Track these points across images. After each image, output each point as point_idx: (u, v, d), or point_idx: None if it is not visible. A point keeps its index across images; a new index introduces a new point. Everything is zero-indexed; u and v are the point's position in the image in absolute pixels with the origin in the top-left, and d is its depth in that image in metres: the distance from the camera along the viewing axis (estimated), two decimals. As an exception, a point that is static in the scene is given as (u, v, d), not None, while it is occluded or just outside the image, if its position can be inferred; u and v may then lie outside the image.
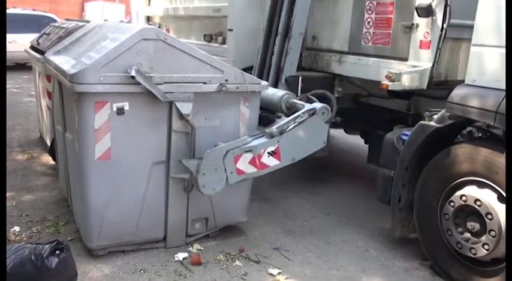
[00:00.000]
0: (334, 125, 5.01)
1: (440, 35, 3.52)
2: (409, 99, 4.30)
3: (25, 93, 9.92)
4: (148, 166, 3.31)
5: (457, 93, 3.13)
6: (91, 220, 3.27)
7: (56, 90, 4.03)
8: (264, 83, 3.61)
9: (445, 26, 3.49)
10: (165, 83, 3.16)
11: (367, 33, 4.17)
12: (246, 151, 3.32)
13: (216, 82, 3.32)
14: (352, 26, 4.35)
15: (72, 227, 3.76)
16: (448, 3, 3.44)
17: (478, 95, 3.01)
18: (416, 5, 3.61)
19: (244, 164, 3.32)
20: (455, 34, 3.58)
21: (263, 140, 3.42)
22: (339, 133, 6.27)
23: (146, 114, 3.21)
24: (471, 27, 3.14)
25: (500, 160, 2.88)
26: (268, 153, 3.39)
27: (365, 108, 4.85)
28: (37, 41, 5.79)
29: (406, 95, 4.19)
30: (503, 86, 2.84)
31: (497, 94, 2.88)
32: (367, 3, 4.14)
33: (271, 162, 3.42)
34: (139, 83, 3.06)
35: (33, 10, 14.27)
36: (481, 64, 3.05)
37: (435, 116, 3.32)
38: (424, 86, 3.66)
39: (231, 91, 3.37)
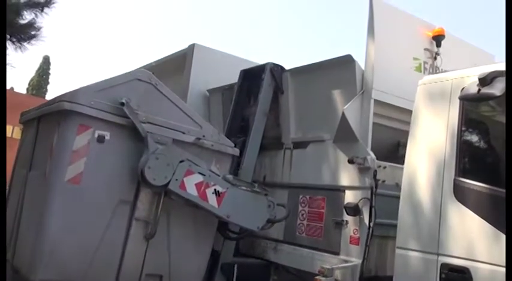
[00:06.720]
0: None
1: (368, 232, 3.71)
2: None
3: None
4: (115, 202, 3.24)
5: (387, 294, 3.20)
6: (43, 246, 3.04)
7: (28, 133, 4.08)
8: (236, 149, 3.87)
9: (371, 224, 3.71)
10: (148, 122, 3.33)
11: (301, 225, 4.34)
12: (200, 173, 3.47)
13: (194, 135, 3.56)
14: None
15: None
16: (373, 204, 3.73)
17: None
18: (344, 204, 3.89)
19: (190, 182, 3.43)
20: (382, 232, 3.79)
21: (218, 177, 3.59)
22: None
23: (124, 148, 3.30)
24: (395, 226, 3.36)
25: None
26: (215, 190, 3.53)
27: (302, 298, 4.77)
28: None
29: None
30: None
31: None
32: (300, 196, 4.39)
33: (211, 200, 3.52)
34: (125, 116, 3.22)
35: None
36: (406, 266, 3.18)
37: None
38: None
39: (206, 147, 3.60)
